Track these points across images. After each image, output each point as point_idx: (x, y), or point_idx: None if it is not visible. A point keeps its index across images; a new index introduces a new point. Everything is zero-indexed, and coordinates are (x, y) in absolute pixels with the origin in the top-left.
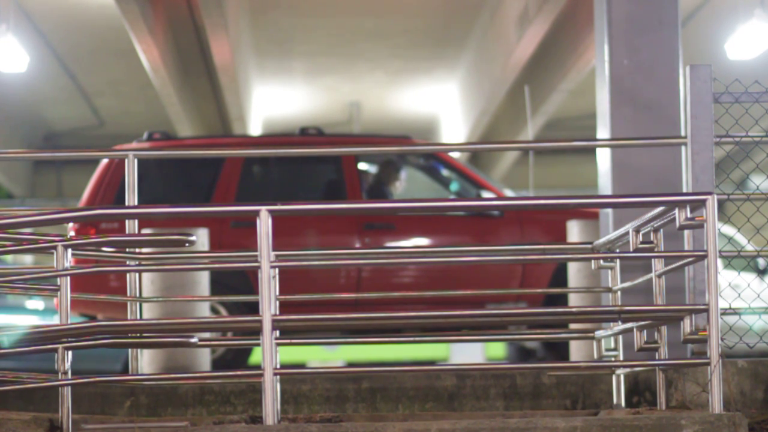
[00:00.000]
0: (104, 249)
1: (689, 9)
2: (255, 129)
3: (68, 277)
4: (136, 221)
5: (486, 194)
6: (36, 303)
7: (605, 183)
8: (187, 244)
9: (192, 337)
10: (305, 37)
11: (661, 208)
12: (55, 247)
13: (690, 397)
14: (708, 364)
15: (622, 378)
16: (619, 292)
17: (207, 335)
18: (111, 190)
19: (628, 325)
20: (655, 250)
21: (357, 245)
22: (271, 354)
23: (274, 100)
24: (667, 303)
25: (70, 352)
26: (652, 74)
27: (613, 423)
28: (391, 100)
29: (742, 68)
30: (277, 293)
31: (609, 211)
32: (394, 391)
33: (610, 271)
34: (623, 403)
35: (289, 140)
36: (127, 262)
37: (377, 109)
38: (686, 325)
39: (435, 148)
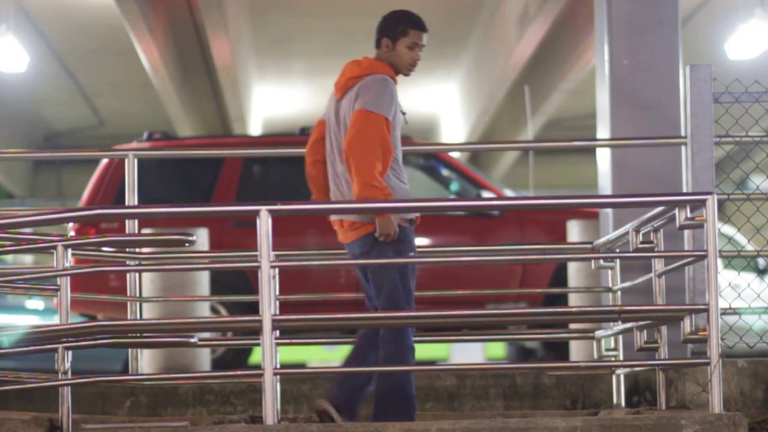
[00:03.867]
0: (104, 249)
1: (689, 9)
2: (255, 129)
3: (68, 277)
4: (136, 221)
5: (486, 194)
6: (36, 303)
7: (605, 183)
8: (187, 244)
9: (192, 337)
10: (305, 37)
11: (661, 208)
12: (55, 247)
13: (690, 397)
14: (708, 364)
15: (622, 378)
16: (619, 292)
17: (207, 335)
18: (111, 190)
19: (628, 325)
20: (655, 250)
21: None
22: (271, 354)
23: (274, 100)
24: (667, 303)
25: (70, 352)
26: (652, 74)
27: (613, 423)
28: None
29: (742, 68)
30: (277, 293)
31: (609, 211)
32: None
33: (610, 271)
34: (623, 403)
35: (289, 140)
36: (127, 262)
37: None
38: (686, 325)
39: (435, 148)
